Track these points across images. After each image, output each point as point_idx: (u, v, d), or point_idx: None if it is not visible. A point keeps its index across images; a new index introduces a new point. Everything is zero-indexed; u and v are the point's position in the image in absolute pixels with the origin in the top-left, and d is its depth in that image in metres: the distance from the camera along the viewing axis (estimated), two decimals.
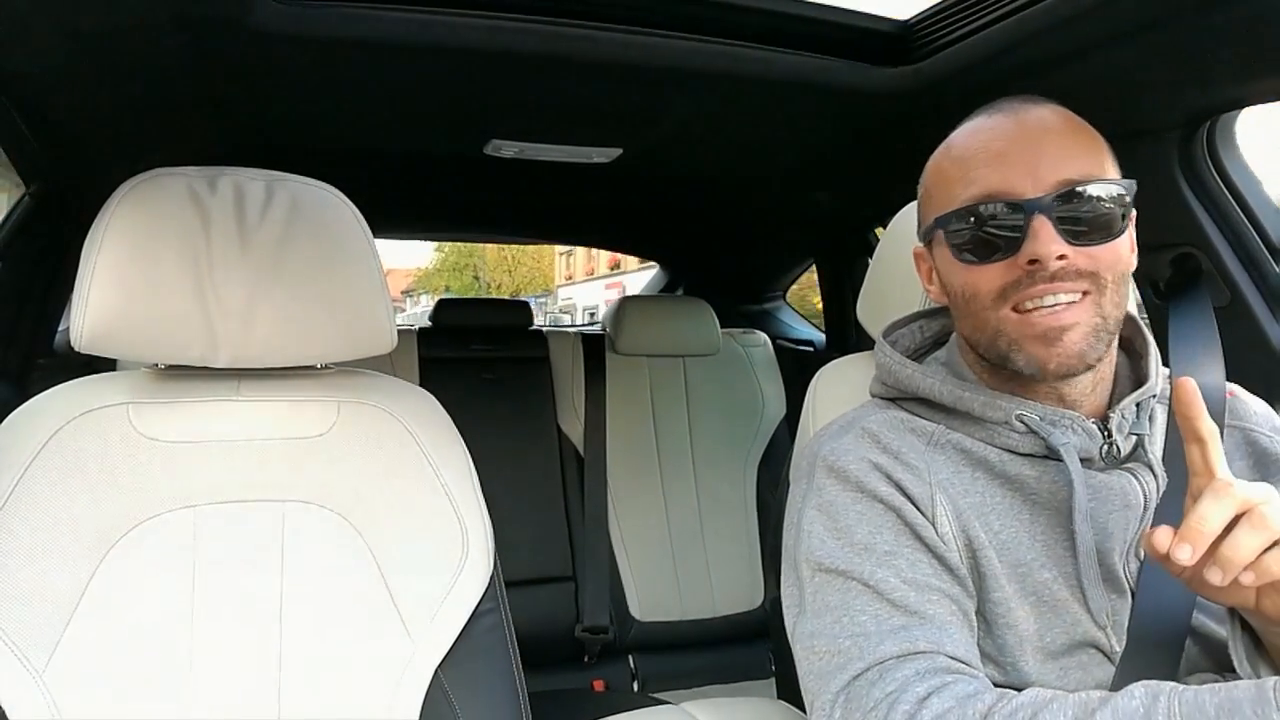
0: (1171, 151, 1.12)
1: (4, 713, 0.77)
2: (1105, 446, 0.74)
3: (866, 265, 1.06)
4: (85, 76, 1.09)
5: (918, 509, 0.72)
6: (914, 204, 1.01)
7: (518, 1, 1.05)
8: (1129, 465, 0.75)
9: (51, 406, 0.86)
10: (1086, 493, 0.71)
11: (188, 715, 0.82)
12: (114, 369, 0.99)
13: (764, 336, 2.37)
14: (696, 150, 1.63)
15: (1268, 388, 0.86)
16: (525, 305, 2.42)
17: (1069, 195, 0.68)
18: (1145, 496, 0.74)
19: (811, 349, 2.51)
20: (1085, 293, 0.69)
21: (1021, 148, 0.71)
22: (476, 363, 2.13)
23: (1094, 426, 0.74)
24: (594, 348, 2.19)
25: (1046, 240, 0.67)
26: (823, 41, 1.18)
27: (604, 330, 2.29)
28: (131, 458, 0.86)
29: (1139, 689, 0.57)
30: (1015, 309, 0.70)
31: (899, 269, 0.98)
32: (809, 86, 1.22)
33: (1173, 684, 0.57)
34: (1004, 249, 0.70)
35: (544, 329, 2.29)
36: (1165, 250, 1.16)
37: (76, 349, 0.84)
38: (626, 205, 2.22)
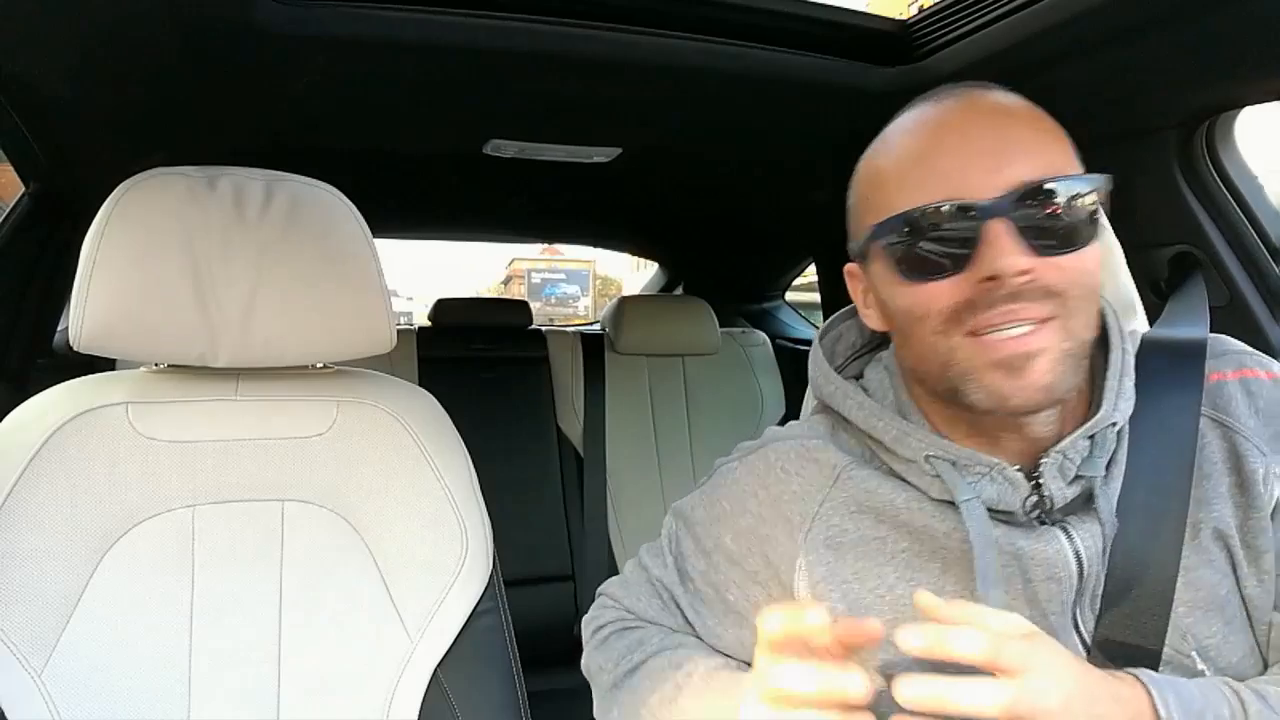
0: (1170, 150, 1.12)
1: (3, 713, 0.77)
2: (1031, 499, 0.62)
3: None
4: (85, 76, 1.09)
5: (774, 571, 0.71)
6: None
7: (518, 1, 1.05)
8: (1069, 520, 0.63)
9: (50, 406, 0.86)
10: (994, 556, 0.60)
11: (186, 716, 0.82)
12: (113, 369, 0.99)
13: (763, 336, 2.38)
14: (696, 150, 1.63)
15: None
16: (524, 305, 2.41)
17: (1032, 196, 0.57)
18: (1082, 560, 0.62)
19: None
20: (1050, 317, 0.58)
21: (976, 139, 0.60)
22: (476, 362, 2.13)
23: (1019, 475, 0.62)
24: (593, 347, 2.19)
25: (1004, 251, 0.57)
26: (822, 41, 1.18)
27: (603, 330, 2.29)
28: (130, 458, 0.86)
29: None
30: (972, 333, 0.60)
31: None
32: (808, 86, 1.22)
33: None
34: (955, 263, 0.59)
35: (543, 329, 2.29)
36: (1164, 249, 1.16)
37: (75, 349, 0.84)
38: (626, 205, 2.22)
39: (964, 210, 0.58)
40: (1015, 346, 0.58)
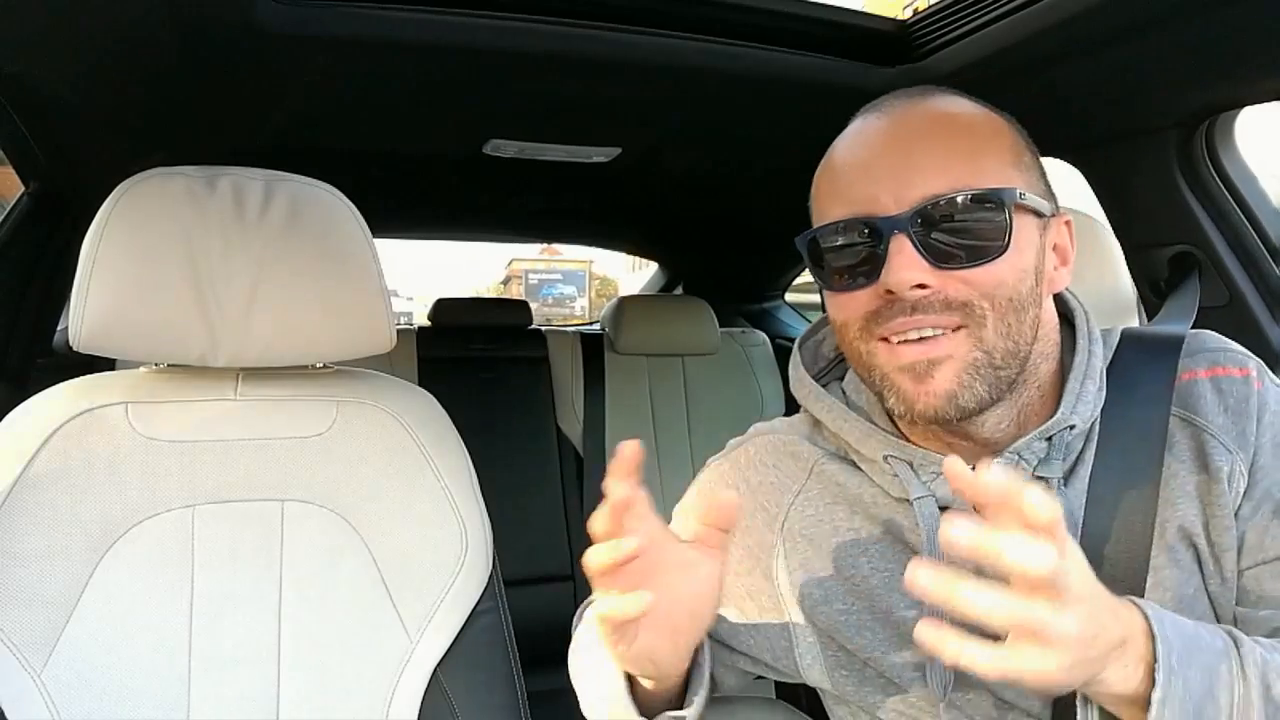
0: (1170, 150, 1.12)
1: (3, 713, 0.77)
2: None
3: None
4: (85, 77, 1.09)
5: (755, 560, 0.73)
6: None
7: (518, 1, 1.05)
8: None
9: (50, 406, 0.86)
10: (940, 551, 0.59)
11: (186, 716, 0.82)
12: (113, 369, 0.99)
13: (763, 336, 2.37)
14: (696, 150, 1.63)
15: None
16: (524, 304, 2.41)
17: (929, 211, 0.59)
18: None
19: None
20: (959, 326, 0.60)
21: (889, 156, 0.62)
22: (475, 362, 2.13)
23: None
24: (593, 347, 2.19)
25: (901, 266, 0.59)
26: (822, 41, 1.18)
27: (603, 330, 2.29)
28: (130, 457, 0.86)
29: None
30: (884, 339, 0.62)
31: None
32: (808, 86, 1.22)
33: None
34: (866, 274, 0.62)
35: (543, 329, 2.29)
36: (1164, 249, 1.16)
37: (75, 349, 0.84)
38: (626, 205, 2.22)
39: (868, 226, 0.61)
40: (918, 353, 0.61)
